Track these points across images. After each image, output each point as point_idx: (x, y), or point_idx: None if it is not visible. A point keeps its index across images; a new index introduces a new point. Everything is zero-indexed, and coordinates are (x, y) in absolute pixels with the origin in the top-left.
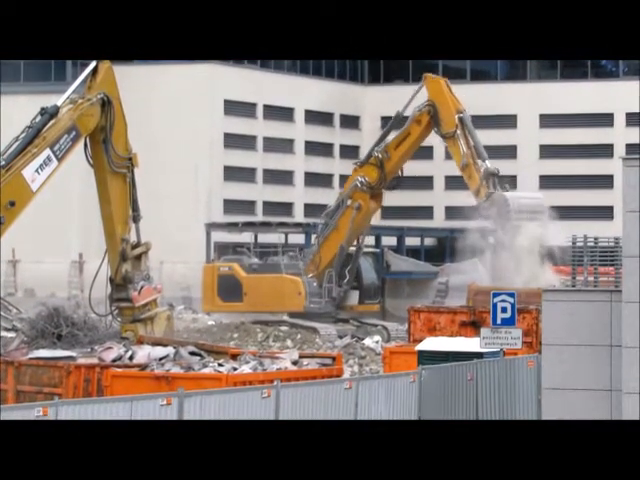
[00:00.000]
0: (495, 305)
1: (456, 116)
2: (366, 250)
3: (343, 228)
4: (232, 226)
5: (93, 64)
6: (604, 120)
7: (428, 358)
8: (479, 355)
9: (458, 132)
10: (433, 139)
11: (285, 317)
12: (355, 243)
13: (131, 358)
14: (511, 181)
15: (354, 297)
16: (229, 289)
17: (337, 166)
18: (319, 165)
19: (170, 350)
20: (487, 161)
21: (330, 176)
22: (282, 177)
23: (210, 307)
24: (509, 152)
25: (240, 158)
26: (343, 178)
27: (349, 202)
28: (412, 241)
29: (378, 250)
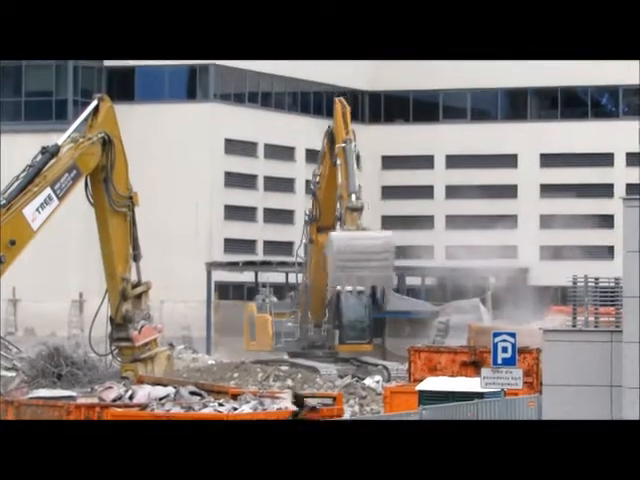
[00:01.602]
0: (496, 345)
1: (338, 145)
2: (358, 288)
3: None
4: (233, 265)
5: (94, 103)
6: (604, 160)
7: (429, 398)
8: (480, 395)
9: (338, 162)
10: (433, 177)
11: (285, 356)
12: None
13: (131, 398)
14: (512, 220)
15: (346, 337)
16: (252, 328)
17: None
18: None
19: (170, 390)
20: (353, 195)
21: None
22: (283, 216)
23: (246, 346)
24: (509, 191)
25: (241, 197)
26: None
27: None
28: (413, 280)
29: (364, 289)
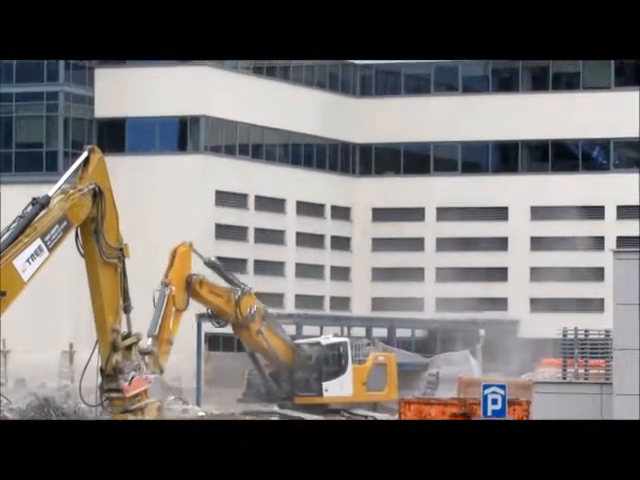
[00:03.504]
0: (486, 397)
1: (154, 289)
2: (309, 341)
3: None
4: None
5: (85, 154)
6: (595, 213)
7: None
8: None
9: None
10: (423, 230)
11: (275, 408)
12: None
13: None
14: (503, 273)
15: (297, 389)
16: None
17: (328, 257)
18: (310, 256)
19: None
20: (150, 339)
21: (321, 267)
22: (273, 268)
23: None
24: (500, 244)
25: (231, 249)
26: (334, 269)
27: None
28: (403, 332)
29: (321, 341)
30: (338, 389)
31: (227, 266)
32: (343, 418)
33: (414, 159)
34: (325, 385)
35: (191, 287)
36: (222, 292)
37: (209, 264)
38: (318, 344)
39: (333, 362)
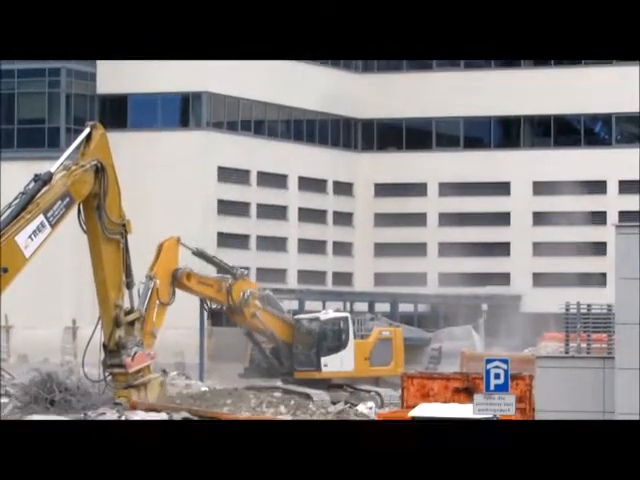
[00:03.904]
0: (488, 371)
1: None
2: (308, 316)
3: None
4: None
5: (87, 130)
6: (597, 187)
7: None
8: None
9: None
10: (425, 205)
11: (278, 383)
12: None
13: None
14: (505, 248)
15: (296, 364)
16: None
17: (331, 233)
18: (313, 232)
19: (163, 416)
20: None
21: (324, 243)
22: (276, 243)
23: None
24: (502, 219)
25: (234, 225)
26: (337, 245)
27: None
28: (405, 307)
29: (319, 316)
30: (338, 364)
31: (229, 241)
32: (346, 393)
33: (416, 134)
34: (324, 360)
35: (178, 281)
36: (212, 282)
37: (197, 254)
38: (317, 319)
39: (332, 337)
